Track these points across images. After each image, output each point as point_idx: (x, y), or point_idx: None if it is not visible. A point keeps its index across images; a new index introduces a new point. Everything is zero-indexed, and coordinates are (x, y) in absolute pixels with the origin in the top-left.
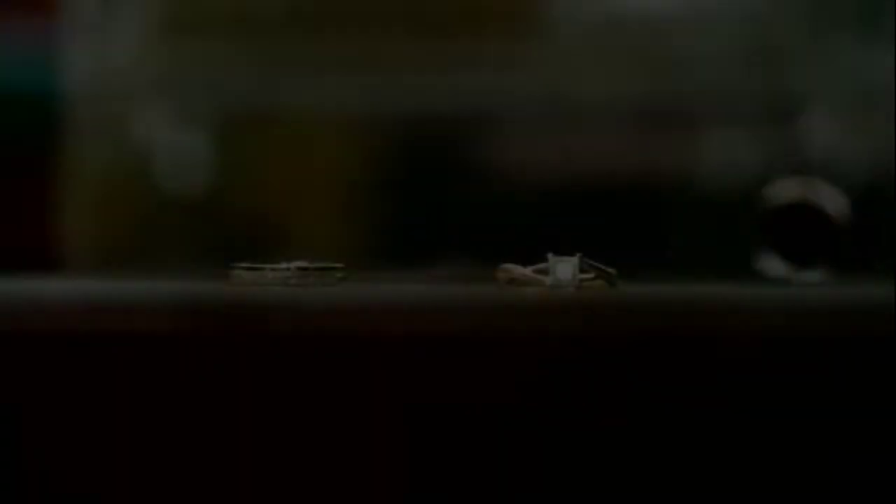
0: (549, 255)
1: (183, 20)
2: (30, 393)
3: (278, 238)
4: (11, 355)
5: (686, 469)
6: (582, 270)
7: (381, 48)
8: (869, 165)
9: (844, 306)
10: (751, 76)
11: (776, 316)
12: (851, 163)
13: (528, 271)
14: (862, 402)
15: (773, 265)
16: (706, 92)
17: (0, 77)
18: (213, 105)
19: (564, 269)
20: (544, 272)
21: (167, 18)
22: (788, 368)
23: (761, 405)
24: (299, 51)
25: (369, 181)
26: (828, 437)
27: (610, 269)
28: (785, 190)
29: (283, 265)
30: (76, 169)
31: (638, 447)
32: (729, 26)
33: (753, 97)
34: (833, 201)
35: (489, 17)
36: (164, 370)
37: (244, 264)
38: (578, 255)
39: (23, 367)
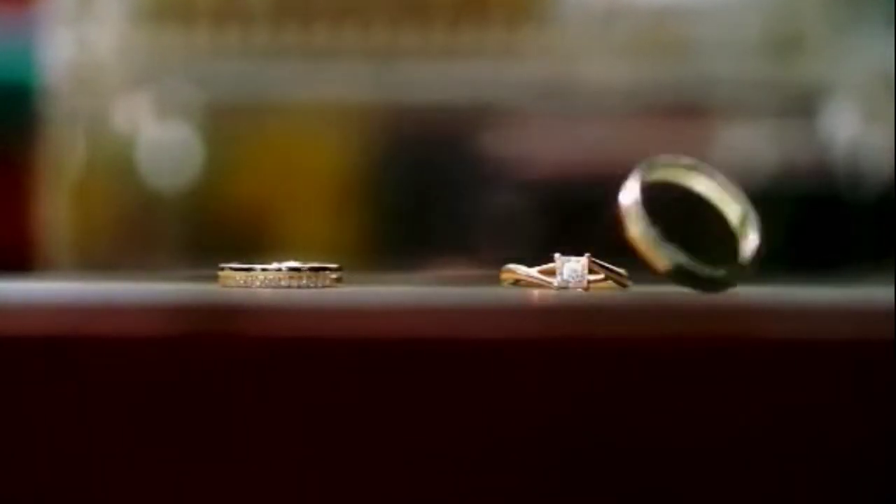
0: (557, 255)
1: (166, 6)
2: (5, 400)
3: (269, 236)
4: None
5: (695, 474)
6: (591, 271)
7: (376, 36)
8: (891, 156)
9: (845, 308)
10: (769, 65)
11: (785, 319)
12: (874, 154)
13: (533, 272)
14: (862, 405)
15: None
16: (721, 82)
17: None
18: (199, 96)
19: (572, 269)
20: (551, 273)
21: (150, 5)
22: (796, 372)
23: (772, 410)
24: (291, 38)
25: (366, 175)
26: (832, 439)
27: (620, 271)
28: None
29: (274, 265)
30: (55, 163)
31: (646, 455)
32: (744, 13)
33: (772, 87)
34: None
35: (492, 3)
36: (147, 376)
37: (233, 264)
38: (587, 255)
39: None
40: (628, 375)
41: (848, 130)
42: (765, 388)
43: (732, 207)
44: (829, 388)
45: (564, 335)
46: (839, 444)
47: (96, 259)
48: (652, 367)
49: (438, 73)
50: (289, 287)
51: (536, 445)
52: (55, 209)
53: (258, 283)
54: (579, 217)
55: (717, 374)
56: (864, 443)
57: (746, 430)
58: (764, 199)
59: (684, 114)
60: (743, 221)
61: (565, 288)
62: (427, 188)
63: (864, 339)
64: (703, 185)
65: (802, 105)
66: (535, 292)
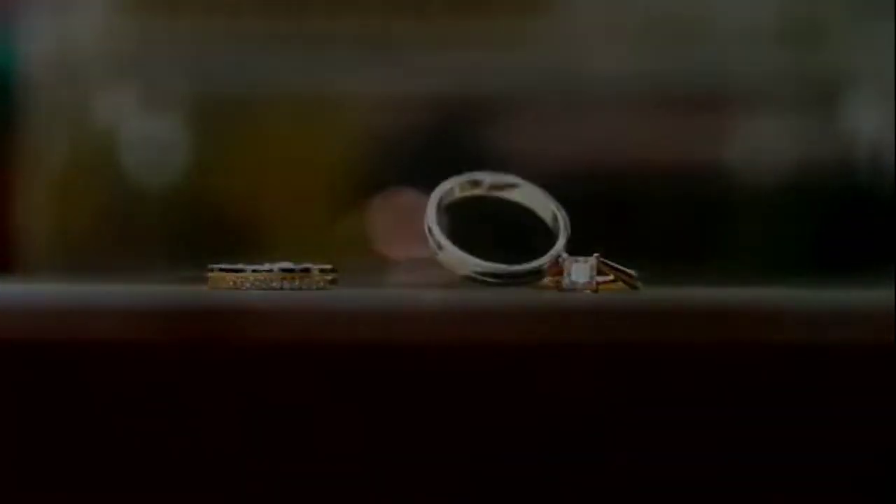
0: (564, 255)
1: None
2: None
3: (260, 235)
4: None
5: (700, 477)
6: (600, 272)
7: (373, 24)
8: None
9: (854, 312)
10: (788, 55)
11: (794, 323)
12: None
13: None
14: (863, 407)
15: None
16: (739, 72)
17: None
18: (186, 87)
19: (580, 270)
20: (558, 274)
21: None
22: (803, 375)
23: (780, 413)
24: (283, 27)
25: (362, 171)
26: (837, 442)
27: (630, 271)
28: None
29: (266, 266)
30: (35, 159)
31: (654, 460)
32: (761, 1)
33: (791, 78)
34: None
35: None
36: (135, 381)
37: (222, 265)
38: (596, 254)
39: None
40: (637, 378)
41: (870, 121)
42: (772, 391)
43: (547, 212)
44: (833, 391)
45: (572, 338)
46: (845, 446)
47: (78, 259)
48: (661, 370)
49: (440, 63)
50: (281, 289)
51: (542, 450)
52: (35, 207)
53: (249, 285)
54: (588, 214)
55: (724, 376)
56: (865, 445)
57: (751, 432)
58: (784, 192)
59: (700, 105)
60: (555, 223)
61: (573, 289)
62: (428, 184)
63: (868, 342)
64: (518, 194)
65: (823, 96)
66: (543, 294)
